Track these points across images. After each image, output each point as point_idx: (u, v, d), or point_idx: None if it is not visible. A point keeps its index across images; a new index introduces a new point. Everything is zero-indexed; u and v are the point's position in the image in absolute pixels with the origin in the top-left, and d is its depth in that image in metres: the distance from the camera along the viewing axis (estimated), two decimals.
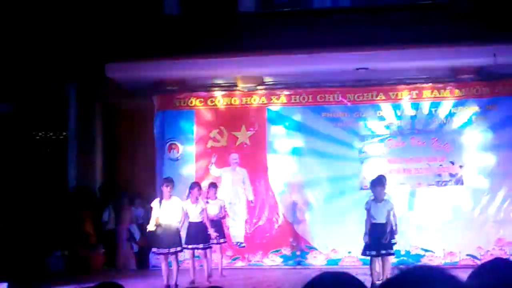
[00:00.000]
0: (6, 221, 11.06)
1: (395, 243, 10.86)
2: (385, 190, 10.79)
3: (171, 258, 11.00)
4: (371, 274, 10.34)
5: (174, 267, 10.97)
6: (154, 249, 11.20)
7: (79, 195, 13.26)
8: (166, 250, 10.89)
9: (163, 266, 11.01)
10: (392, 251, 10.53)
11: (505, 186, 13.31)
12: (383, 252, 10.37)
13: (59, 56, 12.05)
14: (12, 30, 11.24)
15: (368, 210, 10.55)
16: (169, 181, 11.16)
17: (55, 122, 12.66)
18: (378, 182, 10.67)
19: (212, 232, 11.56)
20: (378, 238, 10.36)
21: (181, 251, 11.13)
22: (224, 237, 12.43)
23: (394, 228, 10.69)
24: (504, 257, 12.74)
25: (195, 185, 11.81)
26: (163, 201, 10.89)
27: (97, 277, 12.35)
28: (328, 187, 13.81)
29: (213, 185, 12.46)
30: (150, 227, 10.83)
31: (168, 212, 10.88)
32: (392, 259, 10.66)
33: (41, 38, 11.44)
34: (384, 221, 10.38)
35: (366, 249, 10.53)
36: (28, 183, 11.72)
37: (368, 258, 10.65)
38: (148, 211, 11.55)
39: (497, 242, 13.15)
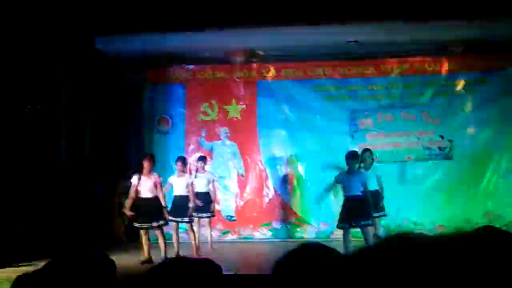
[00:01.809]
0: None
1: (385, 215, 10.98)
2: (357, 163, 10.87)
3: (157, 232, 11.05)
4: (344, 246, 10.23)
5: (160, 241, 11.00)
6: (134, 224, 11.20)
7: (72, 168, 13.24)
8: (147, 225, 10.93)
9: (144, 240, 11.04)
10: (363, 223, 10.44)
11: (493, 160, 13.39)
12: (354, 224, 10.41)
13: (47, 28, 11.94)
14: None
15: (339, 182, 10.65)
16: (149, 156, 11.23)
17: (45, 96, 12.57)
18: (351, 155, 10.74)
19: (194, 204, 11.55)
20: (350, 211, 10.41)
21: (165, 224, 11.14)
22: (212, 210, 12.43)
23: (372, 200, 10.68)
24: None
25: (179, 158, 11.83)
26: (142, 176, 10.92)
27: (88, 248, 12.41)
28: (318, 161, 13.83)
29: (202, 158, 12.46)
30: (127, 206, 10.88)
31: (147, 187, 10.91)
32: (370, 230, 10.59)
33: (32, 11, 11.33)
34: (355, 193, 10.43)
35: (339, 222, 10.64)
36: (20, 159, 11.68)
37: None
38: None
39: (485, 215, 13.26)
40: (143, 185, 10.92)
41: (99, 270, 2.45)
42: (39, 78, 12.30)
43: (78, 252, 2.49)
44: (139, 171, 10.99)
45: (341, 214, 10.59)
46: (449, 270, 1.41)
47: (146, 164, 10.93)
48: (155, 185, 10.95)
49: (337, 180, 10.75)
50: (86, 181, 13.33)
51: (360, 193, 10.41)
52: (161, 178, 11.11)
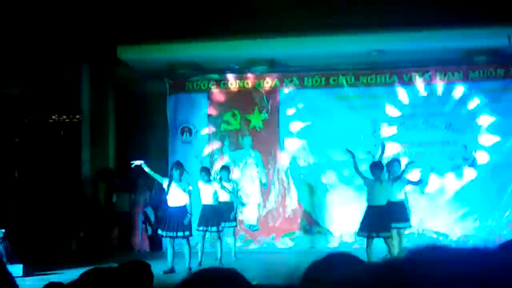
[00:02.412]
0: (20, 205, 11.12)
1: (410, 226, 10.90)
2: (384, 173, 10.77)
3: (183, 241, 11.02)
4: (368, 256, 10.16)
5: (186, 251, 10.97)
6: (160, 232, 11.19)
7: (98, 178, 13.32)
8: (171, 234, 10.92)
9: (169, 249, 11.03)
10: (385, 234, 10.35)
11: None
12: (374, 235, 10.33)
13: (71, 38, 12.05)
14: (24, 12, 11.24)
15: (366, 182, 10.58)
16: (178, 164, 11.17)
17: (68, 105, 12.68)
18: (376, 166, 10.66)
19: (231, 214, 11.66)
20: (372, 220, 10.34)
21: (190, 235, 11.12)
22: (236, 220, 12.44)
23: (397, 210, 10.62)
24: None
25: (203, 168, 11.83)
26: (172, 184, 10.91)
27: (111, 259, 12.45)
28: (341, 171, 13.77)
29: (225, 168, 12.45)
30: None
31: (176, 196, 10.90)
32: (392, 242, 10.48)
33: (53, 19, 11.44)
34: (378, 203, 10.36)
35: (360, 230, 10.58)
36: (42, 167, 11.77)
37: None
38: (161, 193, 11.54)
39: (509, 226, 13.13)
40: (172, 193, 10.92)
41: (139, 279, 2.46)
42: (62, 87, 12.40)
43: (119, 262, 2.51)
44: (169, 179, 10.97)
45: (362, 222, 10.51)
46: (481, 284, 1.37)
47: (175, 173, 10.93)
48: (185, 194, 10.94)
49: (365, 183, 10.67)
50: (108, 192, 13.38)
51: (383, 204, 10.33)
52: (191, 187, 11.11)
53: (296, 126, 14.08)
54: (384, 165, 10.99)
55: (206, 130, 14.35)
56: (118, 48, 12.93)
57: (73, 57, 12.42)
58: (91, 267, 2.52)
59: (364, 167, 10.99)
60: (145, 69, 13.57)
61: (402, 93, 13.76)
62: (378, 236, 10.30)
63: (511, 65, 13.42)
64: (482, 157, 13.42)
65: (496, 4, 11.89)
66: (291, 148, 14.10)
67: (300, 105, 14.07)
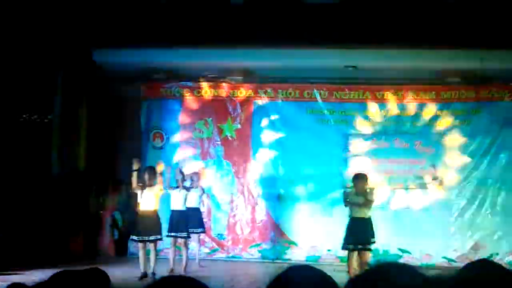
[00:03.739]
0: None
1: (374, 241, 10.90)
2: (366, 185, 10.81)
3: (150, 246, 11.00)
4: (348, 270, 10.33)
5: (152, 255, 10.97)
6: (133, 237, 11.20)
7: (64, 180, 13.23)
8: (144, 238, 10.89)
9: (141, 254, 11.00)
10: (369, 246, 10.52)
11: (483, 192, 13.42)
12: (360, 246, 10.41)
13: (46, 39, 11.99)
14: None
15: (345, 197, 10.61)
16: (151, 169, 11.15)
17: (40, 105, 12.61)
18: (359, 177, 10.72)
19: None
20: (356, 232, 10.40)
21: (160, 239, 11.13)
22: (203, 227, 12.45)
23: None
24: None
25: (178, 172, 11.83)
26: (144, 189, 10.90)
27: (76, 263, 12.37)
28: (311, 184, 13.84)
29: (195, 174, 12.43)
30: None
31: (148, 200, 10.89)
32: (369, 257, 10.64)
33: (30, 20, 11.39)
34: (362, 216, 10.43)
35: (345, 243, 10.60)
36: (10, 166, 11.69)
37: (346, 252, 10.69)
38: (131, 198, 11.53)
39: (472, 246, 13.29)
40: (144, 198, 10.90)
41: (95, 286, 2.48)
42: (35, 88, 12.33)
43: (72, 270, 2.54)
44: (142, 184, 10.94)
45: (347, 235, 10.52)
46: None
47: (147, 177, 10.90)
48: (156, 199, 10.94)
49: (345, 195, 10.70)
50: (77, 194, 13.31)
51: (367, 216, 10.41)
52: (162, 191, 11.11)
53: (268, 137, 14.12)
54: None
55: (178, 137, 14.34)
56: (94, 51, 12.91)
57: (48, 57, 12.36)
58: (58, 270, 2.54)
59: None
60: (120, 73, 13.53)
61: (374, 109, 13.87)
62: (364, 248, 10.37)
63: (483, 87, 13.60)
64: (449, 177, 13.56)
65: (469, 27, 12.08)
66: (262, 159, 14.14)
67: (273, 117, 14.12)
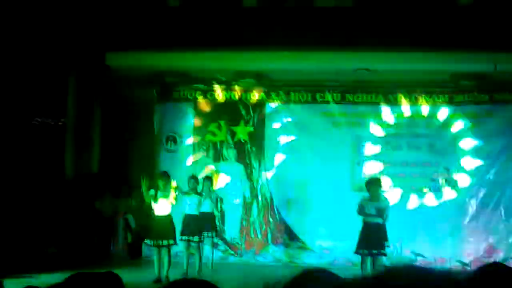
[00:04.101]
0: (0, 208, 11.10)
1: (388, 245, 10.83)
2: (380, 190, 10.76)
3: (164, 250, 11.01)
4: (363, 273, 10.32)
5: (166, 259, 10.97)
6: (147, 241, 11.21)
7: (77, 183, 13.28)
8: (159, 243, 10.90)
9: (155, 258, 11.02)
10: (384, 252, 10.50)
11: (497, 195, 13.36)
12: (375, 251, 10.36)
13: (60, 42, 12.06)
14: (13, 15, 11.26)
15: (361, 208, 10.52)
16: (164, 174, 11.17)
17: (54, 109, 12.67)
18: (374, 181, 10.66)
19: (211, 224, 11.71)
20: (370, 237, 10.35)
21: (174, 244, 11.13)
22: (216, 231, 12.46)
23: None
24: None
25: (191, 177, 11.84)
26: (158, 193, 10.89)
27: (89, 266, 12.41)
28: (324, 187, 13.82)
29: (208, 179, 12.44)
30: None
31: (162, 205, 10.90)
32: (382, 261, 10.62)
33: (44, 23, 11.46)
34: (377, 221, 10.36)
35: (358, 248, 10.53)
36: (24, 169, 11.75)
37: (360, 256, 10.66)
38: (144, 201, 11.54)
39: (486, 250, 13.23)
40: (159, 203, 10.90)
41: None
42: (48, 91, 12.39)
43: (86, 272, 2.56)
44: (155, 188, 10.95)
45: (360, 240, 10.47)
46: None
47: (161, 182, 10.92)
48: (170, 203, 10.95)
49: (360, 204, 10.62)
50: (91, 197, 13.35)
51: (380, 221, 10.35)
52: (175, 195, 11.12)
53: (281, 140, 14.12)
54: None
55: (191, 140, 14.36)
56: (107, 55, 12.96)
57: (62, 61, 12.43)
58: (73, 272, 2.56)
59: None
60: (133, 77, 13.58)
61: (387, 112, 13.84)
62: (377, 253, 10.33)
63: (496, 91, 13.54)
64: (463, 180, 13.50)
65: (483, 31, 12.04)
66: (275, 162, 14.13)
67: (286, 120, 14.12)
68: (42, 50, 11.90)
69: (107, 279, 2.57)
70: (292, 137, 14.08)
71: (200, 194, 11.68)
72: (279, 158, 14.13)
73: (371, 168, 13.53)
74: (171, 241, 10.99)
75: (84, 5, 11.95)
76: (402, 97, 13.79)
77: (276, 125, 14.17)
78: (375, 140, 13.82)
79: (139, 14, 12.58)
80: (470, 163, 13.52)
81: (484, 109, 13.60)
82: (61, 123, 12.76)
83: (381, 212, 10.39)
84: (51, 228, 12.15)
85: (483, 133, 13.51)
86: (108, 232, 13.76)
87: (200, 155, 14.32)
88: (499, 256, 13.03)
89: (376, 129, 13.86)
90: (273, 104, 14.23)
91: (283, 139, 14.12)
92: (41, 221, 11.95)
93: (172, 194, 11.02)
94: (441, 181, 13.59)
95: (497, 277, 1.95)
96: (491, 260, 12.97)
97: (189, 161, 14.24)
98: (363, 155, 13.83)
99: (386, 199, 11.06)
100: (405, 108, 13.80)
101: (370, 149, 13.81)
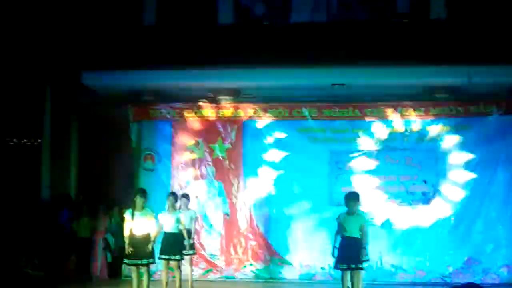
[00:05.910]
0: None
1: (367, 259, 10.81)
2: (358, 205, 10.75)
3: (143, 269, 10.92)
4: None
5: (145, 278, 10.89)
6: (125, 260, 11.09)
7: (55, 203, 13.20)
8: (137, 261, 10.80)
9: (134, 276, 10.93)
10: (362, 266, 10.47)
11: (475, 206, 13.43)
12: (353, 266, 10.33)
13: (35, 62, 12.05)
14: None
15: (339, 223, 10.49)
16: (142, 192, 11.02)
17: (29, 129, 12.62)
18: (352, 196, 10.65)
19: (188, 242, 11.58)
20: (349, 252, 10.32)
21: (153, 262, 11.04)
22: (195, 248, 12.42)
23: (365, 243, 10.63)
24: (472, 276, 12.95)
25: (170, 195, 11.80)
26: (135, 212, 10.77)
27: (69, 285, 12.35)
28: (302, 203, 13.84)
29: (185, 196, 12.39)
30: (126, 239, 10.68)
31: (140, 224, 10.78)
32: (362, 274, 10.61)
33: (18, 43, 11.44)
34: (355, 235, 10.34)
35: (337, 262, 10.50)
36: (0, 189, 11.69)
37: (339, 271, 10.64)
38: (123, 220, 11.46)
39: (465, 262, 13.28)
40: (136, 222, 10.75)
41: None
42: (24, 111, 12.36)
43: None
44: (132, 207, 10.79)
45: (339, 255, 10.42)
46: None
47: (138, 200, 10.76)
48: (149, 222, 10.80)
49: (338, 221, 10.57)
50: (68, 217, 13.29)
51: (359, 236, 10.32)
52: (154, 214, 10.98)
53: (259, 156, 14.12)
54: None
55: (169, 158, 14.33)
56: (82, 74, 12.94)
57: (36, 80, 12.41)
58: None
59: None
60: (108, 95, 13.57)
61: (363, 127, 13.89)
62: (355, 268, 10.27)
63: (471, 103, 13.64)
64: (441, 193, 13.56)
65: (457, 44, 12.17)
66: (254, 178, 14.13)
67: (263, 136, 14.13)
68: (17, 70, 11.88)
69: None
70: (270, 153, 14.09)
71: (178, 212, 11.64)
72: (258, 174, 14.12)
73: (349, 183, 13.56)
74: (150, 260, 10.90)
75: (58, 25, 11.94)
76: (378, 111, 13.86)
77: (254, 142, 14.18)
78: (353, 154, 13.86)
79: (114, 33, 12.60)
80: (447, 175, 13.59)
81: (460, 122, 13.69)
82: (37, 143, 12.71)
83: (359, 227, 10.37)
84: (28, 248, 12.06)
85: (459, 145, 13.59)
86: (87, 252, 13.66)
87: (178, 173, 14.29)
88: (478, 267, 13.10)
89: (353, 144, 13.91)
90: (250, 121, 14.25)
91: (261, 156, 14.12)
92: (19, 241, 11.86)
93: (149, 212, 10.89)
94: (420, 193, 13.64)
95: None
96: (471, 271, 13.07)
97: (168, 179, 14.20)
98: (340, 169, 13.86)
99: (364, 213, 11.07)
100: (382, 122, 13.86)
101: (348, 163, 13.85)
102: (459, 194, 13.49)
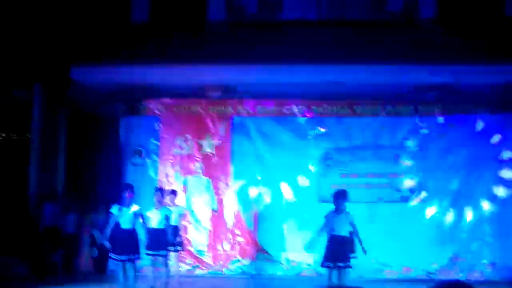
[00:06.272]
0: None
1: (354, 257, 10.83)
2: (346, 202, 10.75)
3: (129, 264, 10.92)
4: (328, 285, 10.31)
5: (131, 273, 10.88)
6: (112, 255, 11.07)
7: (41, 198, 13.16)
8: (124, 257, 10.79)
9: (121, 273, 10.92)
10: (349, 264, 10.48)
11: (461, 204, 13.53)
12: (341, 264, 10.35)
13: (24, 56, 12.01)
14: None
15: (326, 221, 10.48)
16: (129, 187, 11.02)
17: (18, 124, 12.58)
18: (340, 195, 10.65)
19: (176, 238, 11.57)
20: (336, 250, 10.33)
21: (139, 258, 11.03)
22: (182, 244, 12.43)
23: (355, 241, 10.65)
24: (457, 273, 13.04)
25: (157, 190, 11.78)
26: (123, 207, 10.77)
27: (56, 281, 12.33)
28: (290, 199, 13.88)
29: (173, 192, 12.40)
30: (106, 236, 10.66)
31: (126, 219, 10.79)
32: (349, 272, 10.63)
33: (6, 37, 11.40)
34: (343, 234, 10.35)
35: (325, 260, 10.51)
36: None
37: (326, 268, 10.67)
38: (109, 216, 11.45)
39: (451, 259, 13.37)
40: (123, 217, 10.75)
41: None
42: (13, 105, 12.32)
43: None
44: (119, 202, 10.80)
45: (326, 253, 10.42)
46: None
47: (126, 195, 10.75)
48: (136, 217, 10.80)
49: (326, 219, 10.55)
50: (55, 213, 13.25)
51: (347, 234, 10.32)
52: (140, 209, 10.96)
53: (247, 152, 14.14)
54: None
55: (158, 154, 14.33)
56: (72, 69, 12.89)
57: (25, 74, 12.36)
58: None
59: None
60: (98, 91, 13.53)
61: (352, 124, 13.94)
62: (342, 266, 10.27)
63: (459, 102, 13.71)
64: (428, 190, 13.64)
65: (443, 42, 12.21)
66: (242, 174, 14.16)
67: (252, 132, 14.15)
68: (6, 64, 11.84)
69: None
70: (259, 150, 14.11)
71: (166, 207, 11.63)
72: (246, 170, 14.15)
73: (337, 180, 13.61)
74: (136, 255, 10.89)
75: (47, 20, 11.90)
76: (367, 108, 13.91)
77: (243, 138, 14.19)
78: (341, 151, 13.91)
79: (104, 29, 12.56)
80: (435, 173, 13.66)
81: (448, 121, 13.77)
82: (25, 138, 12.68)
83: (348, 225, 10.38)
84: (15, 245, 12.03)
85: (447, 144, 13.67)
86: (73, 247, 13.64)
87: (167, 168, 14.29)
88: (464, 264, 13.20)
89: (342, 141, 13.95)
90: (239, 117, 14.27)
91: (250, 152, 14.14)
92: (5, 237, 11.83)
93: (136, 207, 10.88)
94: (407, 191, 13.72)
95: None
96: (456, 268, 13.16)
97: (156, 174, 14.20)
98: (329, 167, 13.91)
99: (350, 213, 11.07)
100: (370, 119, 13.91)
101: (336, 160, 13.89)
102: (446, 192, 13.58)
